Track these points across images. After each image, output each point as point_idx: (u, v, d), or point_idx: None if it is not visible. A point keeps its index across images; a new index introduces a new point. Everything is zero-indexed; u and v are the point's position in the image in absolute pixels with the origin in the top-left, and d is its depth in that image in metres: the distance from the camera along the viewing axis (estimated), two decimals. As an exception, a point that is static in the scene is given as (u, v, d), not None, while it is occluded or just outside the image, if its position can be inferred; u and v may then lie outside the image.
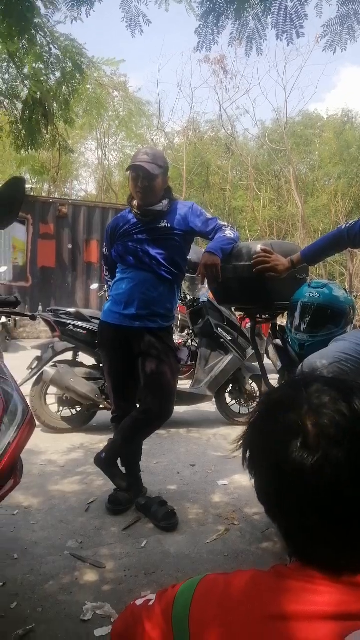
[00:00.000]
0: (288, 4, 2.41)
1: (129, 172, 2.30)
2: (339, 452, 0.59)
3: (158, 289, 2.32)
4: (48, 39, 3.72)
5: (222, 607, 0.64)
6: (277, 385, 2.38)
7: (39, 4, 3.10)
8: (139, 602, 0.79)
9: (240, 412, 4.14)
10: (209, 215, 2.38)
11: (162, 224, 2.30)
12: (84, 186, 22.52)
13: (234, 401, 4.17)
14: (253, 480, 0.70)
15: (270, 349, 5.90)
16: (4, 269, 9.26)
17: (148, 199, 2.28)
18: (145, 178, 2.23)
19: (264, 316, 2.63)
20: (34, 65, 3.93)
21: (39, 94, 4.02)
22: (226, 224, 2.37)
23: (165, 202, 2.32)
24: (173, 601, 0.70)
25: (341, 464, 0.59)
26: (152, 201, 2.29)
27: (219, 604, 0.65)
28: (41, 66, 3.93)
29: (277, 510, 0.66)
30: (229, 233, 2.29)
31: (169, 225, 2.30)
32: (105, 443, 2.53)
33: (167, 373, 2.31)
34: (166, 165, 2.32)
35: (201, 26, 2.58)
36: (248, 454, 0.71)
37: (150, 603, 0.75)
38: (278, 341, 2.51)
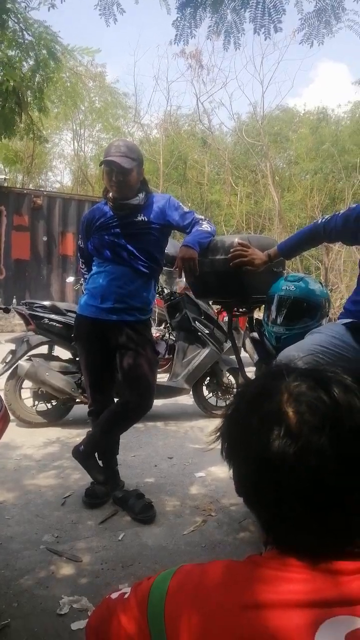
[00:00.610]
0: (266, -2, 2.41)
1: (102, 166, 2.27)
2: (321, 438, 0.60)
3: (135, 283, 2.31)
4: (21, 24, 3.63)
5: (197, 598, 0.64)
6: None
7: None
8: (114, 595, 0.78)
9: (218, 405, 4.17)
10: (186, 209, 2.37)
11: (139, 218, 2.29)
12: (59, 177, 22.20)
13: (211, 394, 4.19)
14: (231, 472, 0.70)
15: (247, 342, 5.95)
16: (-24, 261, 9.07)
17: (123, 192, 2.25)
18: (120, 172, 2.20)
19: (240, 309, 2.65)
20: (7, 52, 3.84)
21: (12, 81, 3.92)
22: (203, 217, 2.37)
23: (141, 195, 2.29)
24: (148, 593, 0.70)
25: (324, 450, 0.59)
26: (127, 194, 2.26)
27: (194, 594, 0.65)
28: (15, 52, 3.83)
29: (257, 499, 0.67)
30: (205, 227, 2.29)
31: (146, 219, 2.29)
32: (82, 437, 2.52)
33: (145, 365, 2.31)
34: (140, 158, 2.29)
35: (178, 19, 2.56)
36: (226, 446, 0.71)
37: (126, 596, 0.75)
38: (255, 334, 2.53)
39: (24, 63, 4.08)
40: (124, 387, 2.36)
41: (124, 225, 2.29)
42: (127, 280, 2.29)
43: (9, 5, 3.12)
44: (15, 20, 3.52)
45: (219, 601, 0.62)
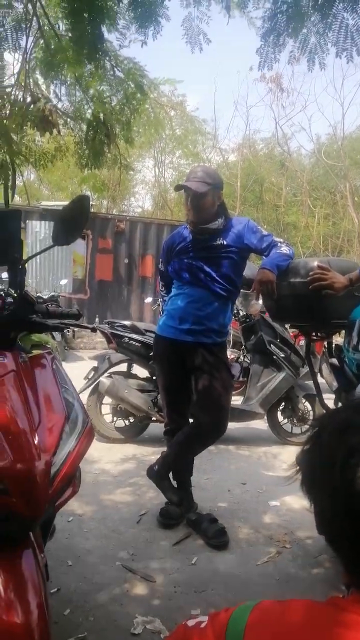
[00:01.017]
0: (349, 22, 2.40)
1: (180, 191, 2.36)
2: None
3: (212, 305, 2.33)
4: (112, 62, 3.89)
5: (277, 636, 0.63)
6: (334, 407, 2.31)
7: (104, 29, 3.26)
8: (190, 623, 0.78)
9: (293, 432, 4.04)
10: (265, 232, 2.37)
11: (218, 242, 2.32)
12: (141, 202, 23.14)
13: (286, 420, 4.07)
14: (312, 507, 0.69)
15: (324, 368, 5.72)
16: (64, 281, 9.66)
17: (199, 216, 2.30)
18: (194, 197, 2.26)
19: (319, 334, 2.57)
20: (98, 87, 4.12)
21: (102, 114, 4.19)
22: (281, 240, 2.36)
23: (220, 219, 2.33)
24: (226, 625, 0.69)
25: None
26: (205, 218, 2.31)
27: (273, 632, 0.64)
28: (105, 88, 4.10)
29: (342, 538, 0.64)
30: (284, 249, 2.28)
31: (225, 243, 2.32)
32: (157, 455, 2.55)
33: (220, 388, 2.31)
34: (217, 183, 2.30)
35: (262, 46, 2.61)
36: (307, 480, 0.69)
37: (203, 625, 0.74)
38: (334, 360, 2.44)
39: (113, 97, 4.35)
40: (197, 409, 2.37)
41: (203, 249, 2.33)
42: (205, 303, 2.33)
43: (103, 46, 3.36)
44: (108, 59, 3.78)
45: None
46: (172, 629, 1.62)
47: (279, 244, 2.30)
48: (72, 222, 1.53)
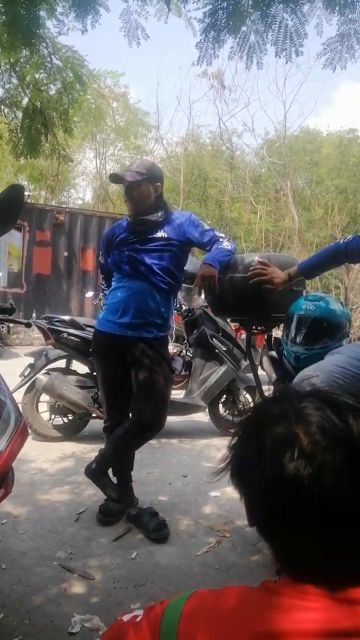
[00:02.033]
0: (288, 23, 2.46)
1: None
2: (336, 458, 0.59)
3: (154, 299, 2.32)
4: (50, 49, 3.75)
5: (211, 624, 0.63)
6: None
7: (42, 14, 3.13)
8: (126, 617, 0.77)
9: (234, 423, 4.12)
10: (207, 226, 2.39)
11: (159, 234, 2.31)
12: (81, 195, 22.62)
13: (227, 412, 4.15)
14: (242, 499, 0.70)
15: (265, 360, 5.90)
16: (-1, 275, 9.26)
17: (137, 207, 2.29)
18: (129, 187, 2.27)
19: (259, 328, 2.64)
20: (35, 75, 3.97)
21: (39, 103, 4.05)
22: (223, 235, 2.38)
23: (160, 212, 2.33)
24: (161, 617, 0.69)
25: (339, 470, 0.59)
26: (142, 209, 2.30)
27: (207, 620, 0.64)
28: (42, 75, 3.96)
29: (270, 526, 0.66)
30: (226, 245, 2.30)
31: (166, 235, 2.31)
32: (97, 452, 2.51)
33: (160, 382, 2.31)
34: (152, 174, 2.29)
35: (202, 41, 2.62)
36: (236, 473, 0.70)
37: (138, 619, 0.74)
38: (273, 353, 2.51)
39: (51, 86, 4.21)
40: (137, 403, 2.35)
41: (143, 241, 2.31)
42: (146, 296, 2.30)
43: (39, 31, 3.23)
44: (44, 45, 3.64)
45: (232, 628, 0.61)
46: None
47: (221, 239, 2.33)
48: (4, 213, 1.46)
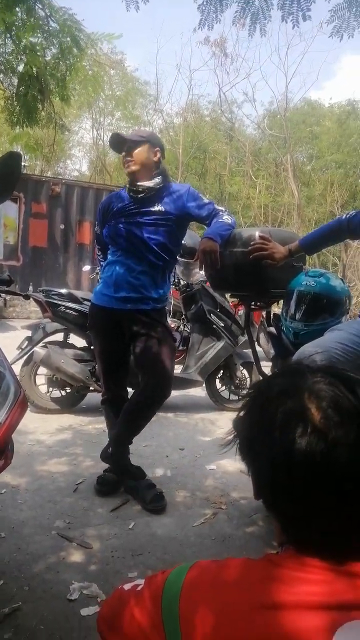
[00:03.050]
0: (296, -15, 2.36)
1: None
2: (349, 434, 0.59)
3: (149, 274, 2.28)
4: (46, 11, 3.60)
5: (213, 594, 0.64)
6: (270, 374, 2.39)
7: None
8: (127, 586, 0.78)
9: (230, 398, 4.16)
10: (206, 199, 2.34)
11: (156, 207, 2.25)
12: (77, 166, 22.24)
13: (224, 387, 4.18)
14: (249, 471, 0.69)
15: (262, 336, 5.93)
16: (-6, 247, 9.16)
17: (136, 172, 2.25)
18: (128, 147, 2.24)
19: (258, 303, 2.62)
20: (31, 39, 3.81)
21: (35, 69, 3.90)
22: (223, 208, 2.34)
23: (158, 179, 2.27)
24: (163, 587, 0.70)
25: (352, 445, 0.59)
26: (142, 173, 2.25)
27: (209, 591, 0.65)
28: (40, 39, 3.81)
29: (278, 499, 0.66)
30: (226, 218, 2.26)
31: (163, 209, 2.26)
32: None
33: (163, 351, 2.29)
34: (153, 140, 2.29)
35: (204, 2, 2.51)
36: (245, 445, 0.70)
37: (139, 588, 0.75)
38: (272, 329, 2.51)
39: (47, 51, 4.05)
40: (141, 374, 2.33)
41: (140, 214, 2.26)
42: (140, 271, 2.27)
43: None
44: (41, 6, 3.49)
45: (234, 599, 0.62)
46: (109, 593, 1.63)
47: (221, 213, 2.29)
48: (2, 181, 1.42)
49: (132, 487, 2.37)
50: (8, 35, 3.83)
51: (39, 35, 3.73)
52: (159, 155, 2.29)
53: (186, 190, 2.32)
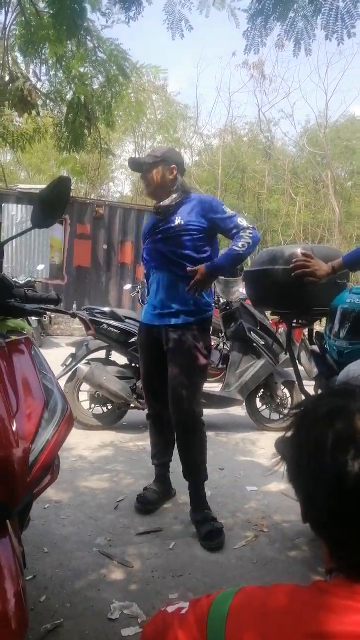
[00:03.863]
0: (339, 4, 2.37)
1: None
2: None
3: (177, 287, 2.25)
4: (94, 42, 3.78)
5: (260, 622, 0.62)
6: (315, 393, 2.34)
7: (87, 5, 3.15)
8: (170, 608, 0.77)
9: (271, 418, 4.09)
10: (228, 212, 2.24)
11: (176, 222, 2.24)
12: (120, 188, 22.85)
13: (264, 406, 4.12)
14: (297, 494, 0.68)
15: (303, 354, 5.82)
16: (41, 267, 9.50)
17: (152, 192, 2.31)
18: (145, 171, 2.28)
19: (300, 321, 2.59)
20: (80, 68, 4.00)
21: (83, 97, 4.08)
22: (246, 224, 2.21)
23: (175, 194, 2.27)
24: (208, 611, 0.69)
25: None
26: (158, 194, 2.30)
27: (256, 617, 0.63)
28: (87, 69, 4.00)
29: (329, 524, 0.64)
30: (246, 236, 2.15)
31: (182, 222, 2.22)
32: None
33: (185, 369, 2.23)
34: (166, 156, 2.28)
35: (249, 29, 2.57)
36: (292, 467, 0.69)
37: (183, 611, 0.74)
38: (315, 347, 2.45)
39: (94, 79, 4.25)
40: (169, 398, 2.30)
41: (162, 231, 2.28)
42: (169, 286, 2.27)
43: (85, 24, 3.26)
44: (89, 38, 3.67)
45: (283, 627, 0.60)
46: (149, 613, 1.62)
47: (244, 229, 2.18)
48: (52, 204, 1.48)
49: (197, 521, 2.25)
50: (58, 66, 4.04)
51: (87, 65, 3.92)
52: (175, 172, 2.29)
53: (209, 202, 2.26)
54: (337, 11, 2.38)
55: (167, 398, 2.48)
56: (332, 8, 2.37)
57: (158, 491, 2.49)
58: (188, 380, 2.24)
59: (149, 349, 2.39)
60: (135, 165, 2.35)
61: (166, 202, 2.27)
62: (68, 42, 3.44)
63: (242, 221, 2.20)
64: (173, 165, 2.29)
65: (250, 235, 2.17)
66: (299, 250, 2.13)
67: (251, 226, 2.21)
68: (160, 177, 2.27)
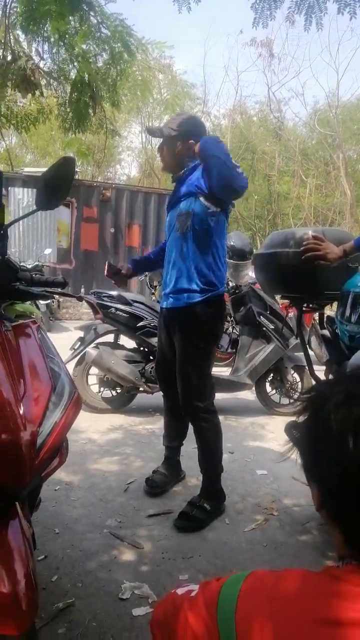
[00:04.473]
0: (352, -25, 2.28)
1: None
2: None
3: (183, 263, 2.14)
4: (98, 17, 3.68)
5: (271, 606, 0.62)
6: (325, 378, 2.31)
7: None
8: (180, 591, 0.77)
9: (281, 402, 4.08)
10: None
11: (182, 190, 2.17)
12: (127, 170, 22.67)
13: (274, 391, 4.11)
14: (312, 479, 0.66)
15: (313, 339, 5.77)
16: (48, 251, 9.48)
17: (166, 164, 2.25)
18: (161, 143, 2.21)
19: (311, 305, 2.55)
20: (83, 45, 3.91)
21: (87, 75, 4.00)
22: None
23: (190, 164, 2.18)
24: (218, 595, 0.68)
25: None
26: (173, 169, 2.23)
27: (267, 601, 0.62)
28: (91, 46, 3.90)
29: (345, 511, 0.62)
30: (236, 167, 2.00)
31: (186, 190, 2.15)
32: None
33: (186, 355, 2.17)
34: (186, 131, 2.14)
35: (258, 1, 2.48)
36: (309, 451, 0.67)
37: (193, 594, 0.73)
38: (326, 332, 2.42)
39: (99, 57, 4.15)
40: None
41: (172, 202, 2.24)
42: (176, 262, 2.17)
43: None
44: (93, 14, 3.57)
45: (294, 612, 0.59)
46: (160, 594, 1.64)
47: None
48: (57, 186, 1.45)
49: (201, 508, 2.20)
50: (61, 43, 3.95)
51: (90, 42, 3.82)
52: (192, 147, 2.12)
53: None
54: (349, -17, 2.29)
55: (174, 380, 2.47)
56: (344, -21, 2.28)
57: (166, 474, 2.50)
58: (192, 369, 2.18)
59: (162, 332, 2.37)
60: (154, 133, 2.27)
61: (178, 174, 2.22)
62: (71, 18, 3.35)
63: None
64: (191, 141, 2.13)
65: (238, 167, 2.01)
66: (310, 233, 2.08)
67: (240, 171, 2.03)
68: (174, 154, 2.19)
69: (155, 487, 2.44)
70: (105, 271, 2.55)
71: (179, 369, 2.21)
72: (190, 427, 2.56)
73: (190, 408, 2.22)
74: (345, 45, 33.83)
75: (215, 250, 2.16)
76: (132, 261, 2.60)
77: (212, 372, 2.30)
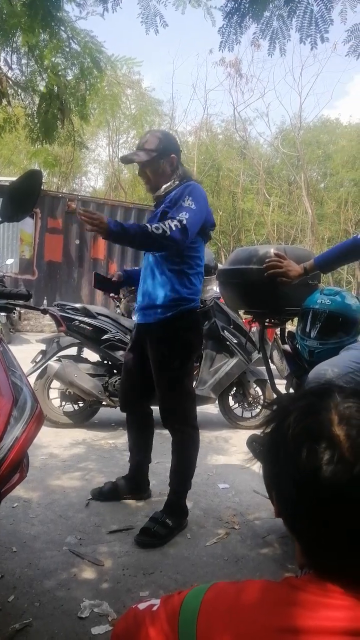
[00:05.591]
0: (314, 8, 2.40)
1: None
2: None
3: (155, 278, 2.16)
4: (69, 33, 3.71)
5: (232, 617, 0.63)
6: (286, 392, 2.37)
7: (62, -4, 3.09)
8: (141, 606, 0.77)
9: (243, 416, 4.13)
10: (186, 204, 2.00)
11: (160, 210, 2.14)
12: (93, 182, 22.61)
13: (237, 405, 4.15)
14: (272, 490, 0.69)
15: (275, 354, 5.90)
16: (10, 261, 9.31)
17: (149, 185, 2.23)
18: (141, 167, 2.19)
19: (273, 321, 2.62)
20: (52, 59, 3.93)
21: (56, 88, 4.01)
22: (182, 219, 1.94)
23: (165, 185, 2.16)
24: (180, 607, 0.69)
25: None
26: (155, 187, 2.20)
27: (228, 613, 0.64)
28: (60, 60, 3.92)
29: (301, 523, 0.65)
30: (166, 225, 1.91)
31: (161, 211, 2.11)
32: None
33: (163, 369, 2.16)
34: (163, 147, 2.12)
35: (224, 25, 2.57)
36: (267, 464, 0.69)
37: (154, 608, 0.73)
38: (287, 347, 2.49)
39: (69, 71, 4.17)
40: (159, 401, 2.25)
41: (153, 220, 2.18)
42: (149, 274, 2.19)
43: (59, 14, 3.19)
44: (64, 29, 3.60)
45: (254, 623, 0.61)
46: (120, 611, 1.62)
47: (175, 219, 1.95)
48: (23, 198, 1.45)
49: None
50: (31, 56, 3.95)
51: (60, 56, 3.84)
52: (175, 161, 2.16)
53: (183, 188, 2.08)
54: (312, 15, 2.41)
55: (135, 397, 2.45)
56: (306, 11, 2.40)
57: (124, 485, 2.48)
58: (169, 383, 2.18)
59: (132, 346, 2.36)
60: (130, 162, 2.22)
61: (160, 191, 2.18)
62: (41, 31, 3.36)
63: (184, 216, 1.95)
64: (172, 155, 2.14)
65: (170, 226, 1.91)
66: (272, 251, 2.15)
67: (182, 224, 1.93)
68: (163, 171, 2.15)
69: (104, 497, 2.44)
70: (93, 283, 2.57)
71: (156, 384, 2.20)
72: (156, 442, 2.57)
73: (168, 422, 2.22)
74: (307, 69, 35.30)
75: (188, 267, 2.14)
76: (124, 271, 2.66)
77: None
